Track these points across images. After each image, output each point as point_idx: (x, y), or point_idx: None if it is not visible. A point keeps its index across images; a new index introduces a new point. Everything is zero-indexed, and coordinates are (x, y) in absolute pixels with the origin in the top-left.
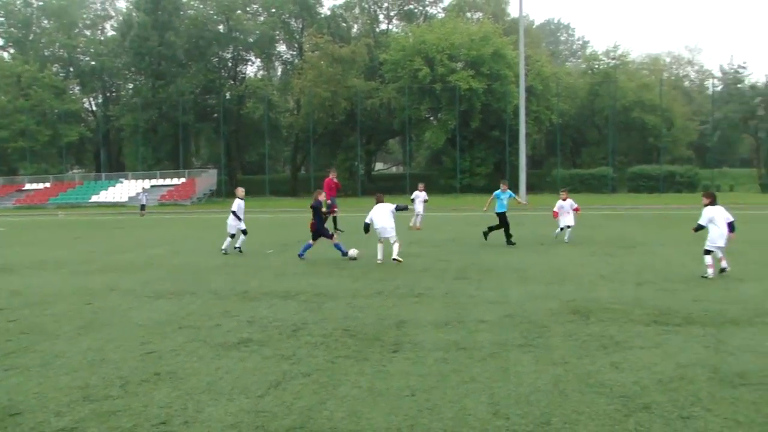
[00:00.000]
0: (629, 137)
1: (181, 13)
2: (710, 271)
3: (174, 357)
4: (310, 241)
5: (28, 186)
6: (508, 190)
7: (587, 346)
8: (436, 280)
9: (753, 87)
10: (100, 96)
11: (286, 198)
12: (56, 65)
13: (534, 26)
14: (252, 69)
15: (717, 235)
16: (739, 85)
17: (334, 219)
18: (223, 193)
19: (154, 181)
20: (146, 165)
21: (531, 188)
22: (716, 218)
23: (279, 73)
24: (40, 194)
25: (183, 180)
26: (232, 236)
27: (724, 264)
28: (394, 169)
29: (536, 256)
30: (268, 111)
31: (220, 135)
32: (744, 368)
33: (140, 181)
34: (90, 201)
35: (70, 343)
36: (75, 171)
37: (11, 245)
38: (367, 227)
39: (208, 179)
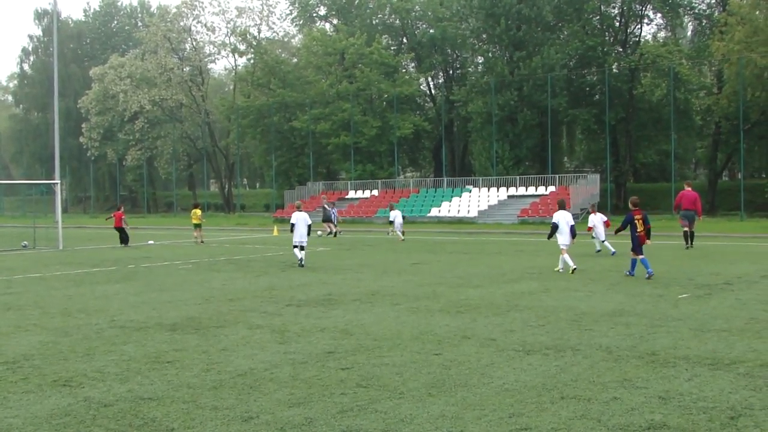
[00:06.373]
0: None
1: None
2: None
3: None
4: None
5: (351, 194)
6: None
7: None
8: None
9: None
10: (441, 75)
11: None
12: (386, 36)
13: None
14: (650, 29)
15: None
16: None
17: None
18: (608, 206)
19: (512, 190)
20: (501, 167)
21: None
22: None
23: (689, 33)
24: (366, 205)
25: (552, 189)
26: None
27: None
28: None
29: None
30: (673, 90)
31: (604, 125)
32: None
33: (492, 189)
34: (428, 215)
35: (417, 405)
36: (408, 175)
37: (340, 269)
38: None
39: (586, 188)
